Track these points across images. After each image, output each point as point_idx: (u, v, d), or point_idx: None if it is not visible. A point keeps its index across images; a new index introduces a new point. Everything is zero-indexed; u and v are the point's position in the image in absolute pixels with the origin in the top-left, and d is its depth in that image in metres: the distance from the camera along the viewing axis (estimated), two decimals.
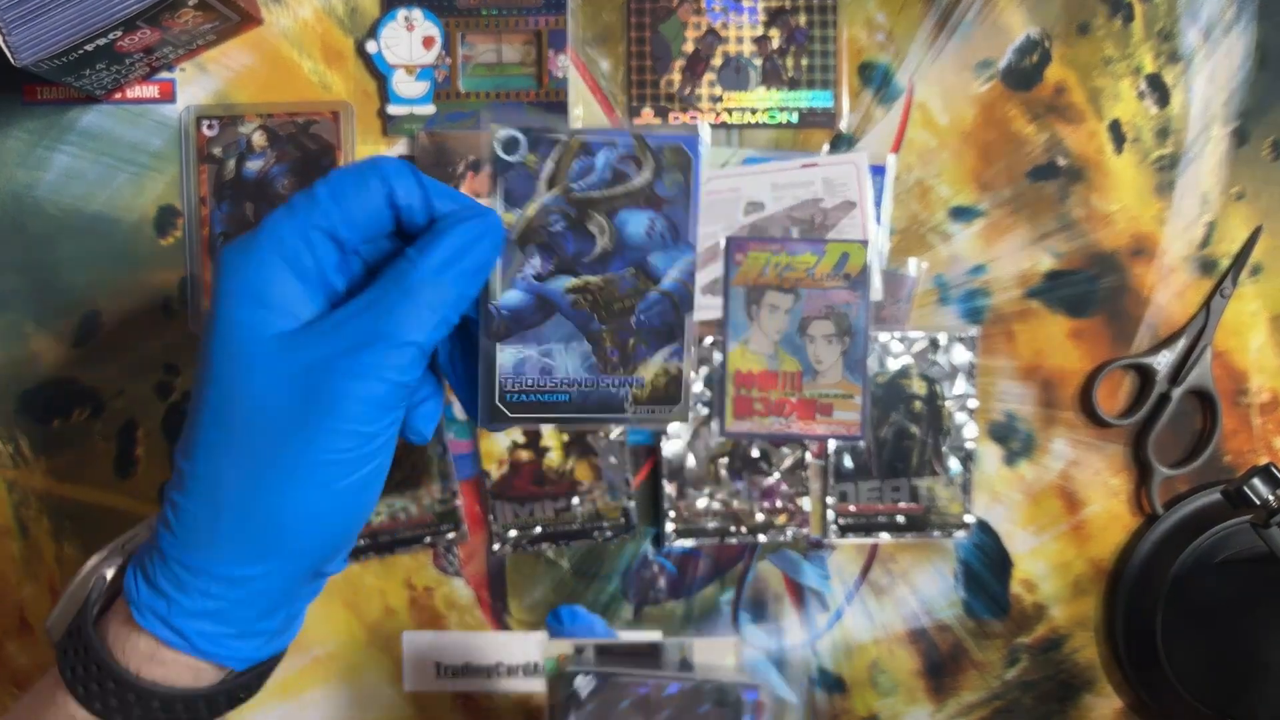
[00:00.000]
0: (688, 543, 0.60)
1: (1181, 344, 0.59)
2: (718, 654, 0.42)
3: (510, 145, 0.40)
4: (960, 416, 0.60)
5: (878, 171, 0.59)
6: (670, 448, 0.60)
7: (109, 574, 0.40)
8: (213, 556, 0.37)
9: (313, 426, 0.35)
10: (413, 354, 0.36)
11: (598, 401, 0.43)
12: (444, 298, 0.36)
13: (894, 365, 0.60)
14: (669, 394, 0.43)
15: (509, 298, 0.41)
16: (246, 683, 0.40)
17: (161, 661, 0.37)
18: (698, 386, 0.59)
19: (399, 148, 0.60)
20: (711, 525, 0.60)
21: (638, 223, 0.42)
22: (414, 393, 0.40)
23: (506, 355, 0.42)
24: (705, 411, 0.59)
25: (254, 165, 0.59)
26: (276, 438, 0.35)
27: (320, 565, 0.39)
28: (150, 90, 0.60)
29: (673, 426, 0.59)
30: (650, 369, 0.43)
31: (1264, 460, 0.59)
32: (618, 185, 0.42)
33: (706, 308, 0.59)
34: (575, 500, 0.60)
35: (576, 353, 0.42)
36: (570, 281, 0.42)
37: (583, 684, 0.39)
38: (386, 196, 0.36)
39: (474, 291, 0.38)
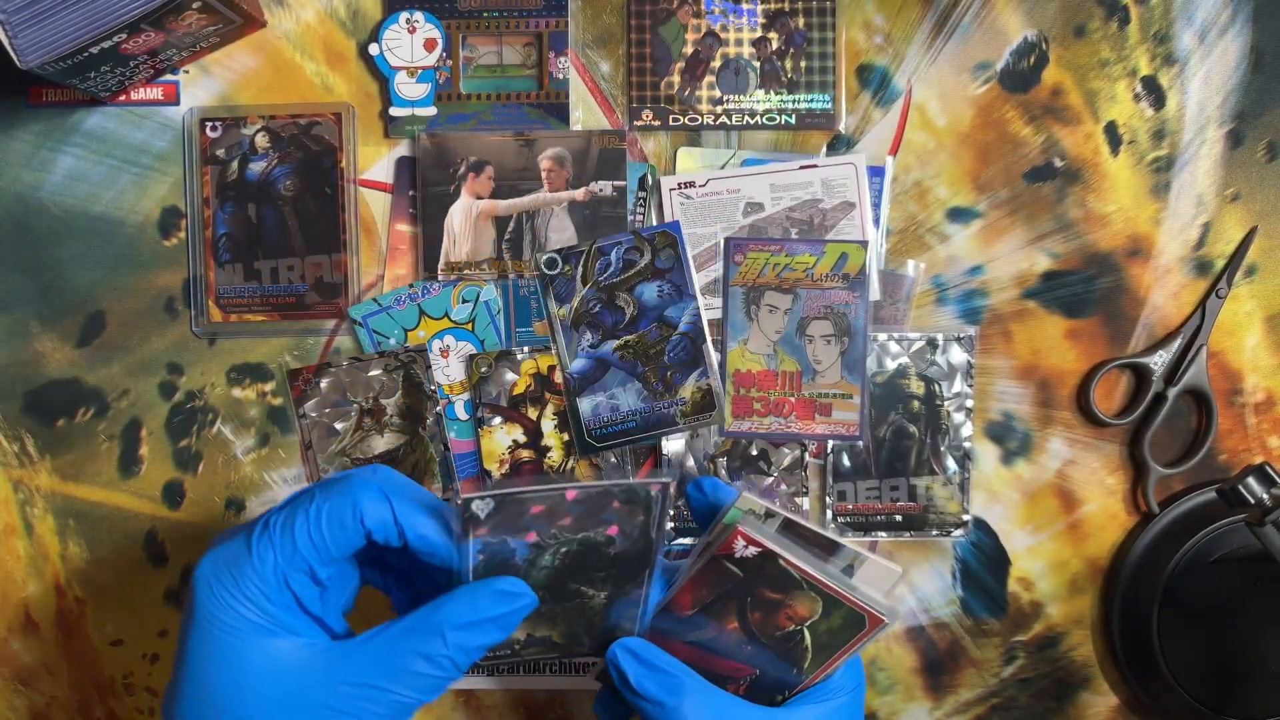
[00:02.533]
0: (687, 541, 0.61)
1: (1177, 344, 0.60)
2: (880, 577, 0.44)
3: (551, 264, 0.55)
4: (958, 416, 0.60)
5: (876, 173, 0.60)
6: (670, 446, 0.60)
7: None
8: None
9: None
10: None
11: (656, 422, 0.58)
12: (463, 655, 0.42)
13: (892, 365, 0.60)
14: (705, 404, 0.58)
15: (576, 365, 0.57)
16: None
17: None
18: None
19: (400, 149, 0.60)
20: None
21: (650, 291, 0.58)
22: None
23: (585, 404, 0.58)
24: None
25: (257, 166, 0.60)
26: None
27: None
28: (154, 92, 0.60)
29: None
30: (687, 389, 0.58)
31: (1259, 459, 0.59)
32: (629, 270, 0.57)
33: (706, 308, 0.59)
34: None
35: (632, 391, 0.58)
36: (615, 343, 0.57)
37: (480, 506, 0.40)
38: (363, 533, 0.41)
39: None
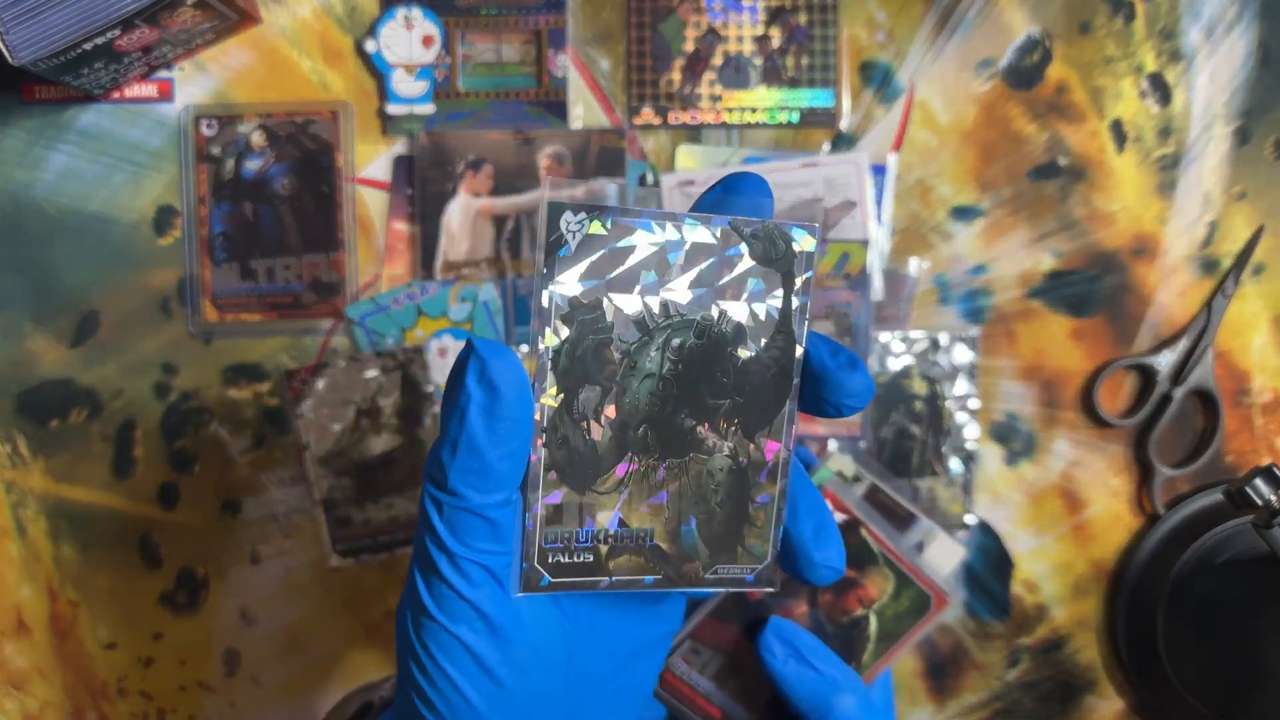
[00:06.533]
0: None
1: (1183, 344, 0.59)
2: (947, 554, 0.42)
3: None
4: (961, 417, 0.60)
5: (878, 171, 0.59)
6: None
7: None
8: None
9: None
10: None
11: None
12: None
13: (895, 365, 0.59)
14: None
15: None
16: None
17: None
18: None
19: (398, 147, 0.60)
20: None
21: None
22: None
23: None
24: None
25: (253, 165, 0.59)
26: None
27: None
28: (149, 89, 0.60)
29: None
30: None
31: (1266, 460, 0.59)
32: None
33: None
34: None
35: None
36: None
37: (572, 223, 0.26)
38: None
39: None
